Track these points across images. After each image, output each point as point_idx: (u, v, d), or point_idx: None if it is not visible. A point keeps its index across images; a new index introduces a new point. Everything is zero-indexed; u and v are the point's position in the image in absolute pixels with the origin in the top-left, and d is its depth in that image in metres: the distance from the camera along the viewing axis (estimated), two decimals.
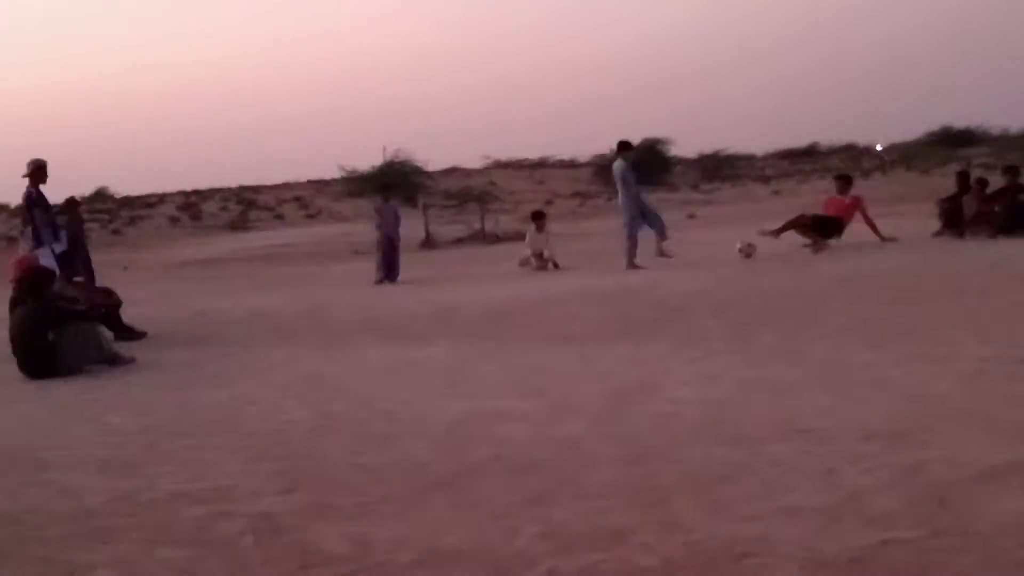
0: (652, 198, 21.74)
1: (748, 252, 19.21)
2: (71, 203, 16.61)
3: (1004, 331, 10.00)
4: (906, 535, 4.83)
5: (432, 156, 57.55)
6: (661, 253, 19.66)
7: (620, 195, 20.24)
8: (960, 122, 79.01)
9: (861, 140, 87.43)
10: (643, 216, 19.93)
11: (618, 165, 20.21)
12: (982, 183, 21.25)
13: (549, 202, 44.06)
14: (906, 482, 5.64)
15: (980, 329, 10.21)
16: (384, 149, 50.66)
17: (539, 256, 21.14)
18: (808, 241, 20.21)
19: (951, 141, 74.81)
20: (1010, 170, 21.45)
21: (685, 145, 68.27)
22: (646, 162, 55.38)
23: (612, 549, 4.92)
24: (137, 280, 20.57)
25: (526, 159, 73.36)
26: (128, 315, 13.53)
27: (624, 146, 20.65)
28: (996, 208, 19.86)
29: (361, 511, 5.78)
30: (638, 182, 20.47)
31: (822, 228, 20.21)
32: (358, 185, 50.46)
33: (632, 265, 19.08)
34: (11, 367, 11.32)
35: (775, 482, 5.81)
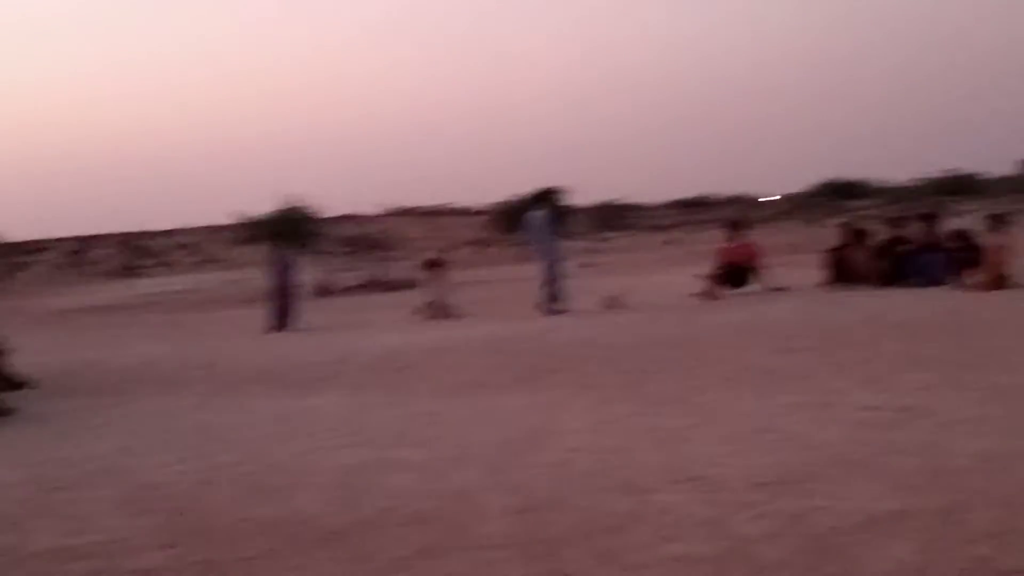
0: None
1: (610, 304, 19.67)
2: None
3: (885, 380, 10.19)
4: None
5: (326, 203, 57.25)
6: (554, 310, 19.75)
7: (538, 244, 20.61)
8: (846, 173, 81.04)
9: (751, 191, 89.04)
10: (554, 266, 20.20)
11: (536, 215, 20.60)
12: (864, 234, 21.72)
13: (442, 250, 44.08)
14: (793, 530, 5.69)
15: (863, 378, 10.39)
16: (277, 196, 50.71)
17: (435, 304, 21.13)
18: (698, 291, 20.48)
19: (837, 193, 76.50)
20: (894, 223, 21.98)
21: (581, 194, 68.69)
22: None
23: None
24: (21, 328, 20.11)
25: (421, 206, 73.43)
26: (11, 364, 13.27)
27: (543, 196, 21.24)
28: (881, 261, 20.29)
29: (245, 567, 5.70)
30: (553, 232, 20.76)
31: (736, 278, 20.58)
32: (251, 231, 50.19)
33: (549, 311, 19.28)
34: None
35: (664, 531, 5.84)
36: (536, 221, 20.86)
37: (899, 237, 20.73)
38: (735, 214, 48.97)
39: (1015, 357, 11.08)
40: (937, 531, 5.49)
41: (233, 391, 12.51)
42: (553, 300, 19.82)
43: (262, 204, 52.74)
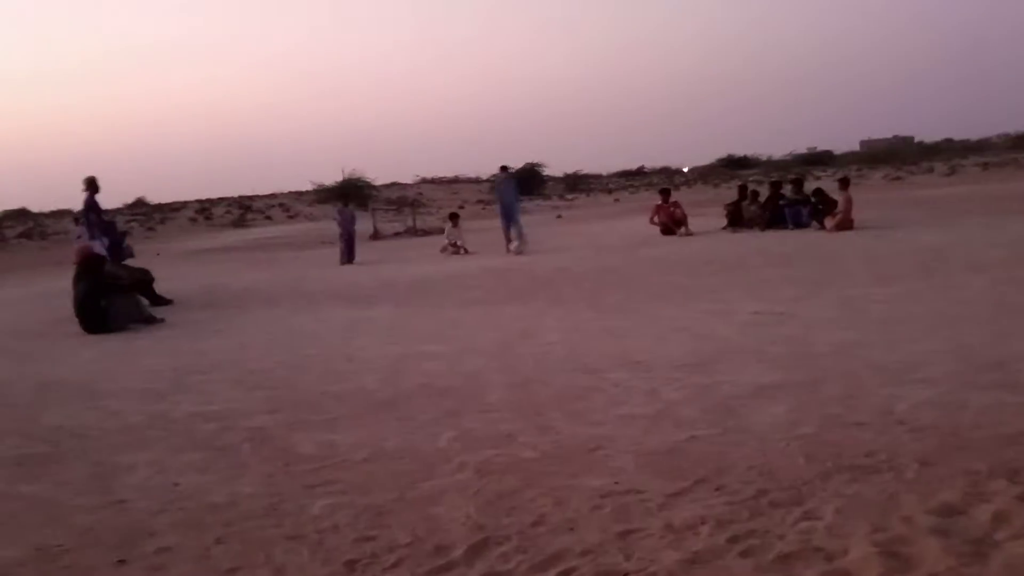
0: (522, 207, 21.86)
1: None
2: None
3: (768, 293, 10.23)
4: (705, 433, 4.93)
5: (377, 174, 57.13)
6: (520, 251, 19.31)
7: (499, 203, 20.49)
8: (739, 151, 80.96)
9: (672, 163, 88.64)
10: (511, 219, 19.91)
11: (498, 181, 20.52)
12: (754, 193, 21.76)
13: (461, 206, 43.68)
14: (703, 396, 5.74)
15: (751, 292, 10.43)
16: (343, 169, 50.66)
17: (454, 245, 21.10)
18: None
19: (733, 164, 76.36)
20: (773, 184, 22.00)
21: (555, 167, 68.30)
22: (526, 179, 55.59)
23: (504, 447, 4.94)
24: (166, 263, 20.09)
25: (444, 176, 72.99)
26: (159, 287, 13.28)
27: (503, 168, 21.13)
28: (764, 211, 20.30)
29: (328, 425, 5.74)
30: (516, 195, 20.57)
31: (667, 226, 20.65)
32: (325, 195, 50.06)
33: (516, 252, 19.09)
34: (74, 325, 11.06)
35: (615, 398, 5.88)
36: (501, 184, 20.58)
37: (778, 194, 20.72)
38: (664, 182, 48.84)
39: (857, 276, 11.13)
40: (803, 397, 5.53)
41: (314, 305, 12.52)
42: (512, 243, 19.49)
43: (332, 174, 52.42)
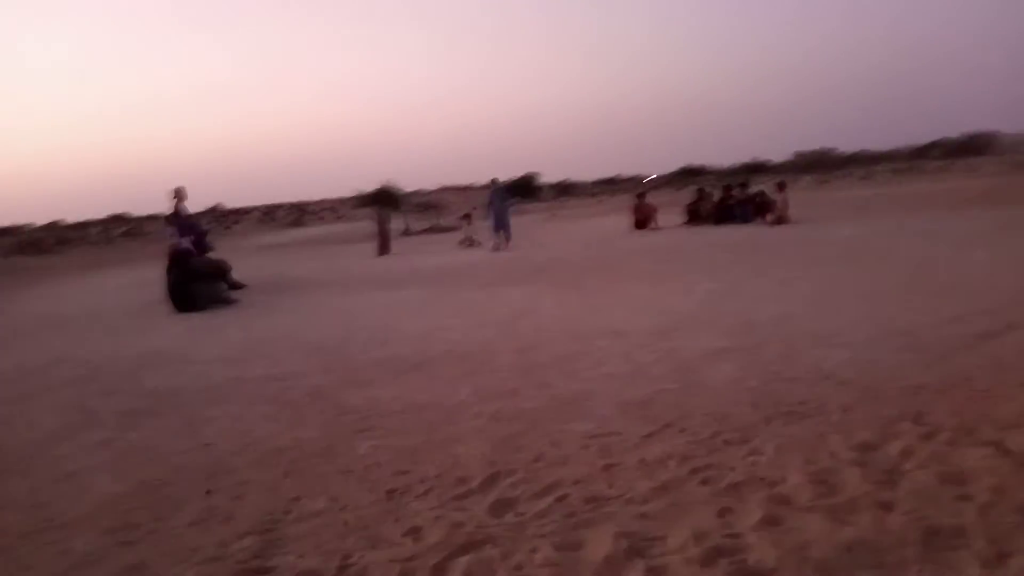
0: (512, 211, 21.09)
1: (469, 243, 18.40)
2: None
3: (720, 275, 10.19)
4: (670, 387, 4.93)
5: (407, 181, 57.14)
6: (498, 247, 18.41)
7: (492, 206, 19.57)
8: (696, 161, 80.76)
9: (640, 172, 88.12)
10: (500, 223, 19.00)
11: (494, 191, 19.88)
12: (708, 195, 21.64)
13: (474, 208, 43.59)
14: (668, 358, 5.73)
15: (707, 274, 10.40)
16: (379, 179, 50.60)
17: (468, 239, 21.02)
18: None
19: (691, 172, 76.08)
20: (725, 187, 21.88)
21: (548, 175, 68.04)
22: (524, 186, 55.35)
23: (510, 399, 4.95)
24: (239, 256, 20.02)
25: (460, 184, 72.70)
26: (235, 275, 13.27)
27: (494, 181, 20.31)
28: (717, 210, 20.23)
29: (370, 383, 5.74)
30: (504, 202, 19.63)
31: (641, 224, 20.51)
32: (364, 200, 49.86)
33: (495, 248, 18.29)
34: (166, 307, 11.08)
35: (599, 360, 5.88)
36: (495, 191, 19.77)
37: (727, 195, 20.62)
38: (638, 187, 48.58)
39: (791, 262, 11.08)
40: (748, 358, 5.53)
41: (358, 288, 12.50)
42: (498, 240, 18.68)
43: (370, 183, 52.32)
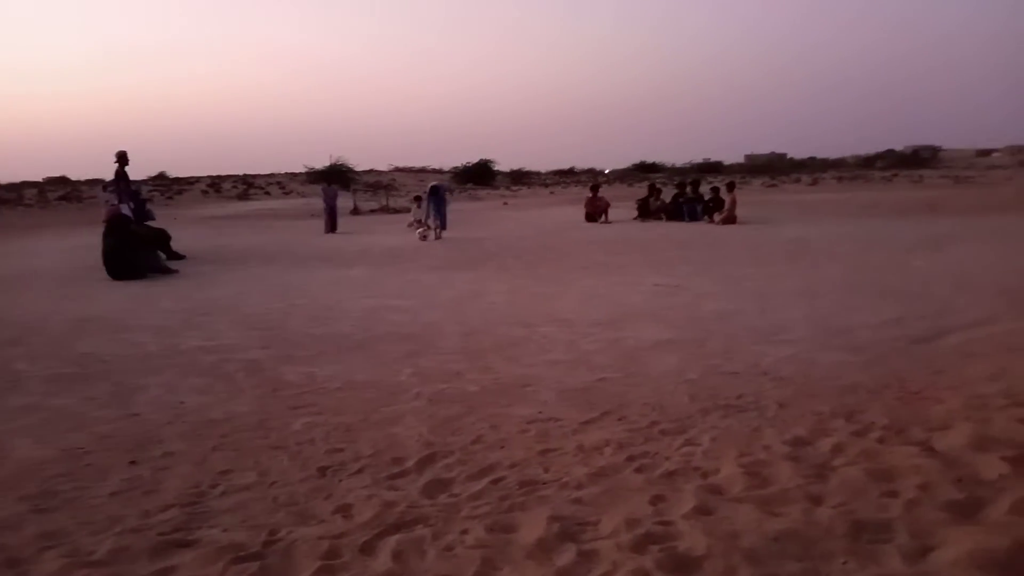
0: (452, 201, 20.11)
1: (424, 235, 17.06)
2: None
3: (667, 270, 10.30)
4: (612, 376, 4.95)
5: (358, 160, 56.03)
6: (432, 237, 17.20)
7: (432, 202, 18.61)
8: (649, 158, 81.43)
9: (597, 166, 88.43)
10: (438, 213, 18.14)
11: (439, 186, 19.21)
12: (659, 191, 21.83)
13: (422, 192, 43.23)
14: (613, 348, 5.77)
15: (654, 268, 10.49)
16: (330, 156, 49.80)
17: (418, 221, 20.79)
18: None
19: (644, 168, 76.68)
20: (678, 185, 22.11)
21: (503, 163, 67.69)
22: (480, 172, 55.05)
23: (453, 382, 4.91)
24: (181, 226, 19.48)
25: (413, 166, 71.92)
26: (174, 245, 12.92)
27: (480, 165, 19.81)
28: (668, 206, 20.42)
29: (310, 360, 5.65)
30: (440, 199, 18.42)
31: (592, 216, 20.51)
32: (314, 176, 49.06)
33: (423, 237, 16.92)
34: (103, 273, 10.73)
35: (543, 347, 5.88)
36: (436, 189, 18.76)
37: (679, 193, 20.83)
38: (591, 180, 48.71)
39: (737, 260, 11.25)
40: (691, 351, 5.59)
41: (303, 264, 12.30)
42: (431, 227, 17.56)
43: (321, 159, 51.54)
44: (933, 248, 11.51)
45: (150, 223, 13.01)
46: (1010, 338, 5.43)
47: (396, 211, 30.77)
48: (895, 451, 3.40)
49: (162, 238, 12.65)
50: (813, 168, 70.47)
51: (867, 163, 71.72)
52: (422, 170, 71.20)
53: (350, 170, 49.02)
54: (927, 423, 3.74)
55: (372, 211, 32.11)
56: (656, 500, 3.03)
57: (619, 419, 4.04)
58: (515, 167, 70.13)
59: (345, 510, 3.05)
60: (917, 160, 71.92)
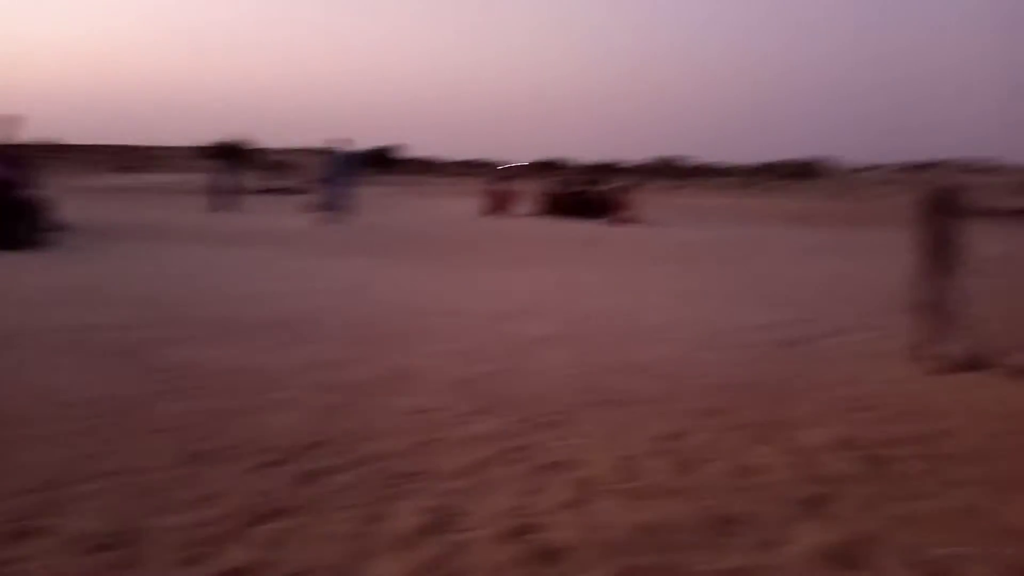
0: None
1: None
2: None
3: (565, 265, 10.46)
4: (500, 368, 4.99)
5: (257, 138, 54.19)
6: (331, 220, 16.93)
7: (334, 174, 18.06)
8: (553, 155, 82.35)
9: (501, 159, 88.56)
10: (337, 195, 17.73)
11: (329, 160, 18.41)
12: (563, 186, 22.16)
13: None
14: (505, 341, 5.81)
15: (552, 265, 10.64)
16: (224, 130, 48.20)
17: (316, 204, 20.28)
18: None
19: (551, 165, 77.55)
20: (580, 183, 22.54)
21: (407, 150, 66.86)
22: (381, 158, 54.22)
23: (337, 370, 4.84)
24: (65, 196, 18.48)
25: (311, 146, 70.18)
26: (58, 215, 12.21)
27: (333, 148, 18.47)
28: (571, 203, 20.76)
29: (188, 343, 5.45)
30: (345, 172, 18.19)
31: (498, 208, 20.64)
32: (208, 152, 47.20)
33: (323, 221, 16.75)
34: None
35: (436, 337, 5.86)
36: (335, 160, 18.16)
37: (581, 191, 21.22)
38: (496, 172, 48.78)
39: (633, 259, 11.54)
40: (579, 346, 5.68)
41: (189, 243, 11.87)
42: (330, 210, 17.25)
43: (215, 135, 49.66)
44: (810, 257, 12.12)
45: (31, 190, 12.25)
46: (867, 345, 5.78)
47: (294, 192, 30.05)
48: (756, 448, 3.57)
49: (42, 207, 11.94)
50: (709, 173, 73.13)
51: (759, 171, 74.96)
52: (320, 151, 69.66)
53: (247, 147, 47.50)
54: (789, 421, 3.95)
55: (269, 190, 31.27)
56: (530, 492, 3.07)
57: (502, 412, 4.08)
58: (421, 155, 69.63)
59: (211, 499, 2.96)
60: (805, 171, 75.60)
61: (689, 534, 2.73)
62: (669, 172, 69.65)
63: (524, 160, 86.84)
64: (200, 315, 6.42)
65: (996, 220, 5.55)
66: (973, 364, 4.90)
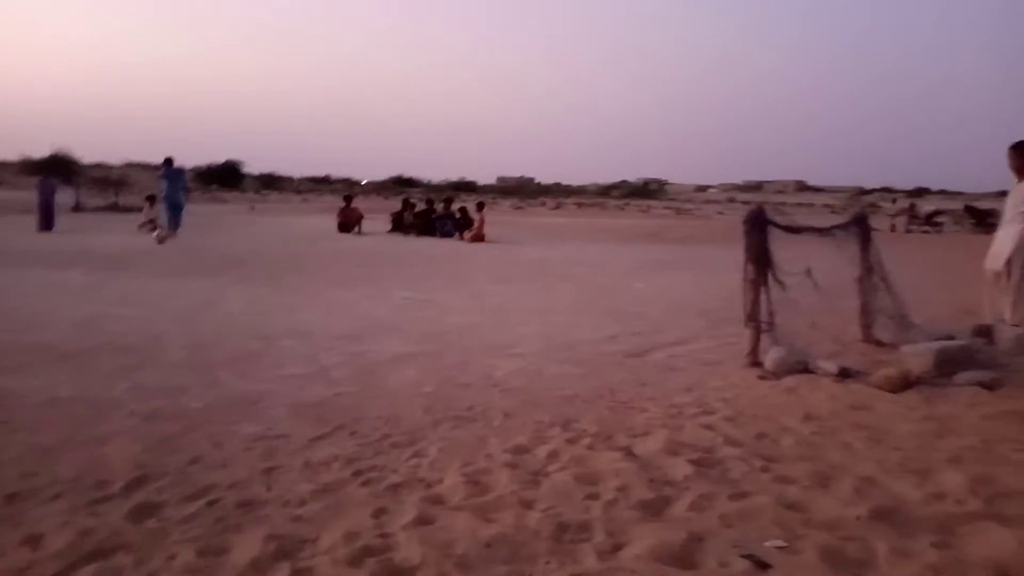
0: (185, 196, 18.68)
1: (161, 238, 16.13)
2: None
3: (416, 284, 10.43)
4: (350, 390, 4.92)
5: (85, 152, 50.65)
6: (164, 239, 16.12)
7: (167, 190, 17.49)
8: (407, 172, 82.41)
9: (354, 175, 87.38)
10: (172, 209, 17.23)
11: (163, 173, 17.75)
12: (413, 205, 22.04)
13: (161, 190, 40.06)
14: (354, 362, 5.73)
15: (403, 282, 10.58)
16: (51, 144, 44.70)
17: (151, 222, 19.27)
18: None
19: (402, 183, 77.40)
20: (428, 200, 22.54)
21: (252, 165, 64.35)
22: (226, 174, 52.13)
23: (174, 397, 4.61)
24: None
25: (150, 162, 66.42)
26: None
27: (168, 162, 17.73)
28: (419, 221, 20.72)
29: (8, 372, 5.02)
30: (178, 186, 17.83)
31: (346, 227, 20.24)
32: (31, 167, 43.65)
33: (161, 240, 15.96)
34: None
35: (280, 361, 5.70)
36: (168, 174, 17.49)
37: (431, 208, 21.25)
38: (346, 190, 48.04)
39: (482, 276, 11.66)
40: (429, 364, 5.70)
41: (9, 264, 10.91)
42: (166, 230, 16.62)
43: (41, 148, 45.96)
44: (650, 273, 12.72)
45: None
46: (705, 354, 6.14)
47: (127, 210, 28.32)
48: (601, 456, 3.71)
49: None
50: (558, 193, 75.57)
51: (605, 191, 78.18)
52: (156, 167, 65.98)
53: (74, 162, 44.28)
54: (630, 430, 4.13)
55: (99, 208, 29.33)
56: (378, 513, 3.05)
57: (351, 434, 4.02)
58: (265, 170, 67.45)
59: (34, 540, 2.74)
60: (647, 191, 79.57)
61: (537, 544, 2.79)
62: (519, 192, 71.28)
63: (378, 177, 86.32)
64: (23, 341, 5.93)
65: (808, 237, 6.06)
66: (796, 369, 5.32)
